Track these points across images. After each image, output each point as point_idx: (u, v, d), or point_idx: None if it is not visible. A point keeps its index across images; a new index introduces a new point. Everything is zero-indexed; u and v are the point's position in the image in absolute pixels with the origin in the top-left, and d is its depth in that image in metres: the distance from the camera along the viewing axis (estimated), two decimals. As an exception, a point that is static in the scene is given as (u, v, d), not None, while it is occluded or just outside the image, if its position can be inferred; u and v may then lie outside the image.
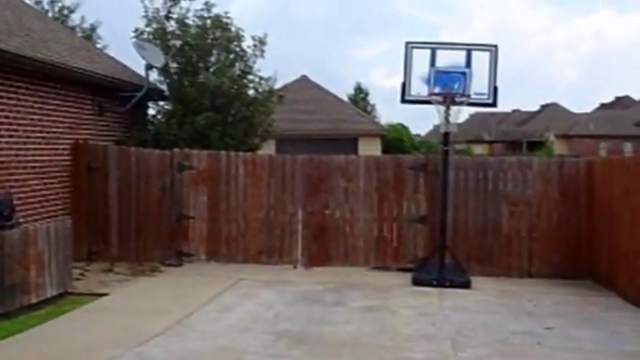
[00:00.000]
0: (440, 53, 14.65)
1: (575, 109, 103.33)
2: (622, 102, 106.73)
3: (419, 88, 14.63)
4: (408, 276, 14.05)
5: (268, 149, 26.30)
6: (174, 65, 19.46)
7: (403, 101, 14.89)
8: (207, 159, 15.69)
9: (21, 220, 12.53)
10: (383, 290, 13.07)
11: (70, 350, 9.11)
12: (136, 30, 19.75)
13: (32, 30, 15.82)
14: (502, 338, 9.94)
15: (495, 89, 14.52)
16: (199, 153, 15.86)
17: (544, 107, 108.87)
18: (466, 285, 13.50)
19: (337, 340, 9.78)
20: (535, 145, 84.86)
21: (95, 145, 15.87)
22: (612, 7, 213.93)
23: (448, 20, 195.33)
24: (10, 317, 10.32)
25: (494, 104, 14.85)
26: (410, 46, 14.76)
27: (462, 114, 15.16)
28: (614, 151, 75.59)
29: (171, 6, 20.07)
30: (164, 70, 18.99)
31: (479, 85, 14.39)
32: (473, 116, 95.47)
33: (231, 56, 20.29)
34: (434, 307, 11.83)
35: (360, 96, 73.78)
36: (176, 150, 15.82)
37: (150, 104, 20.12)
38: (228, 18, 20.41)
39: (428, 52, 14.62)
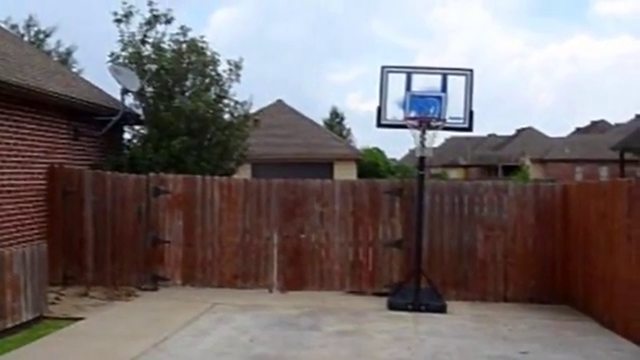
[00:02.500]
0: (416, 77, 14.72)
1: (551, 133, 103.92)
2: (598, 126, 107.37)
3: (395, 112, 14.69)
4: (384, 300, 14.06)
5: (244, 173, 26.32)
6: (150, 89, 19.44)
7: (379, 125, 14.93)
8: (183, 183, 15.67)
9: (-4, 244, 12.49)
10: (359, 314, 13.05)
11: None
12: (112, 54, 19.73)
13: (7, 54, 15.79)
14: (478, 362, 9.96)
15: (471, 113, 14.61)
16: (175, 177, 15.84)
17: (520, 131, 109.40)
18: (442, 309, 13.50)
19: (313, 364, 9.77)
20: (511, 169, 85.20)
21: (70, 169, 15.82)
22: (587, 32, 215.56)
23: (424, 44, 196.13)
24: (-14, 342, 10.27)
25: (470, 128, 14.92)
26: (386, 70, 14.83)
27: (437, 138, 15.17)
28: (590, 175, 75.82)
29: (147, 30, 20.07)
30: (140, 94, 18.98)
31: (455, 109, 14.46)
32: (449, 140, 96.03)
33: (207, 80, 20.33)
34: (410, 331, 11.82)
35: (336, 120, 74.29)
36: (152, 174, 15.80)
37: (126, 128, 20.09)
38: (204, 42, 20.49)
39: (404, 76, 14.69)
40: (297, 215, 15.55)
